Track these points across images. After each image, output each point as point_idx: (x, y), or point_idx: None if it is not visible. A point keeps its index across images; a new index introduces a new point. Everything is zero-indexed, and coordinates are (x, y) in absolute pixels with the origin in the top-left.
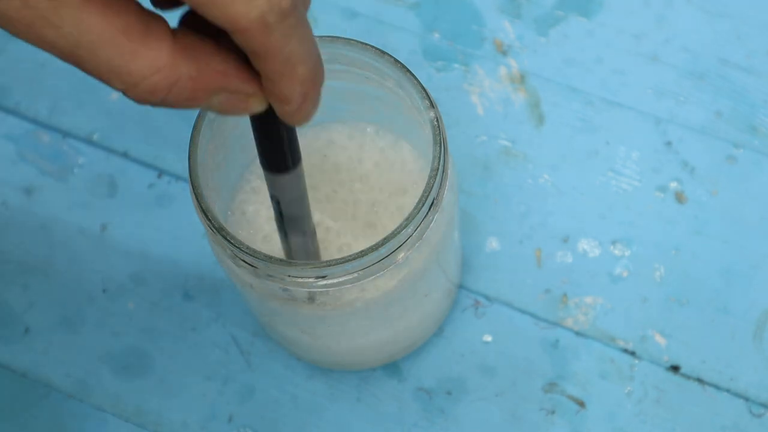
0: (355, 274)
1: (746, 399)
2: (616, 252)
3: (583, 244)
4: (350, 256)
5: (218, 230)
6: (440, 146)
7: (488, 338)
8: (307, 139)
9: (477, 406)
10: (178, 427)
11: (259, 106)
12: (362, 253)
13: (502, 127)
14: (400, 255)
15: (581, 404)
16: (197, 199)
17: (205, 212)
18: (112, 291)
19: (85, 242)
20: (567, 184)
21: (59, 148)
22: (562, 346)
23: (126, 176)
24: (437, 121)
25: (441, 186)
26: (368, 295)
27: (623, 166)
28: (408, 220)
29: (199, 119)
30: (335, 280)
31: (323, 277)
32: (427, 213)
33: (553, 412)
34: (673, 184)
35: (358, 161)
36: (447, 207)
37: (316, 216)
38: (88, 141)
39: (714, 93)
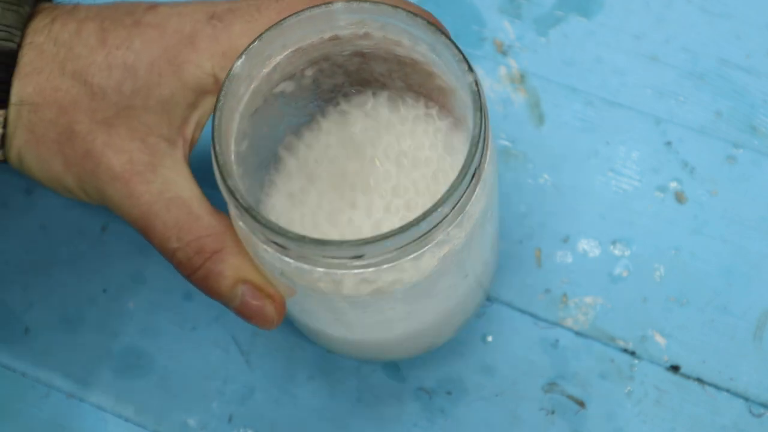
0: (394, 253)
1: (746, 399)
2: (616, 252)
3: (583, 244)
4: (390, 232)
5: (247, 210)
6: (480, 112)
7: (488, 338)
8: (331, 111)
9: (477, 406)
10: (178, 427)
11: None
12: (402, 229)
13: (502, 127)
14: (441, 231)
15: (581, 404)
16: (224, 179)
17: (232, 192)
18: (112, 291)
19: (85, 242)
20: (567, 184)
21: None
22: (562, 346)
23: None
24: (476, 85)
25: (483, 155)
26: (407, 276)
27: (623, 166)
28: (450, 192)
29: (222, 98)
30: (373, 260)
31: (360, 257)
32: (469, 184)
33: (553, 412)
34: (673, 184)
35: (384, 134)
36: (488, 178)
37: (337, 191)
38: None
39: (714, 93)
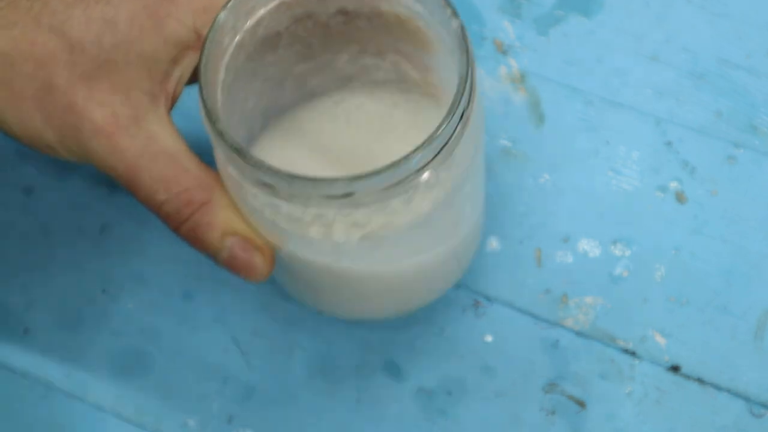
0: (384, 192)
1: (746, 399)
2: (616, 252)
3: (583, 244)
4: (380, 168)
5: (237, 151)
6: (466, 55)
7: (488, 338)
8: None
9: (477, 406)
10: (178, 427)
11: None
12: (392, 165)
13: (502, 127)
14: (430, 170)
15: (581, 404)
16: (212, 122)
17: (221, 134)
18: (112, 291)
19: (85, 242)
20: (567, 184)
21: None
22: (562, 346)
23: None
24: (462, 29)
25: (470, 98)
26: (397, 220)
27: (623, 166)
28: (439, 129)
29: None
30: (363, 198)
31: (350, 195)
32: (458, 124)
33: (553, 413)
34: (673, 184)
35: (372, 129)
36: (475, 123)
37: (325, 157)
38: None
39: (714, 93)
